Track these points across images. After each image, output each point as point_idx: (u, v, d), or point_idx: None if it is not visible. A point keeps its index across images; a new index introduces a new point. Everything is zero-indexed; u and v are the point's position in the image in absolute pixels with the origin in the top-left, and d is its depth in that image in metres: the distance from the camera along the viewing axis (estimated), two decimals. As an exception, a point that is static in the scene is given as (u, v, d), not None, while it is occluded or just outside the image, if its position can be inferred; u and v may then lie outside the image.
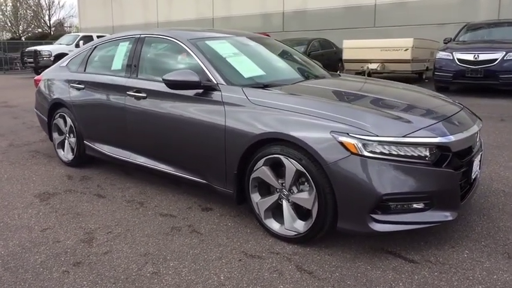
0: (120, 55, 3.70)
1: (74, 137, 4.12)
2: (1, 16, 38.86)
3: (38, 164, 4.46)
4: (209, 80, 2.91)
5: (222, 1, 19.55)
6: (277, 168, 2.54)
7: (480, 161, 2.84)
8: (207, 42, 3.24)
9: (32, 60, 16.52)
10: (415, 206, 2.32)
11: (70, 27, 43.01)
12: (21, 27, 39.28)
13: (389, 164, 2.21)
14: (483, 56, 8.22)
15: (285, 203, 2.56)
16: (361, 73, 11.45)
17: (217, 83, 2.87)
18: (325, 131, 2.31)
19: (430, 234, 2.64)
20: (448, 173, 2.29)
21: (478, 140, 2.64)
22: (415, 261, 2.34)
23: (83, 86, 3.91)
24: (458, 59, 8.47)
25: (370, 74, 11.84)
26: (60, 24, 42.48)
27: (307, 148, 2.34)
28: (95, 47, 4.09)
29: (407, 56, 10.67)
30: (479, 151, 2.73)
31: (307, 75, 3.44)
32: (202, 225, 2.87)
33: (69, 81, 4.09)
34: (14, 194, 3.56)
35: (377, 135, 2.22)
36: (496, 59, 8.09)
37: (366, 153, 2.21)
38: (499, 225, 2.77)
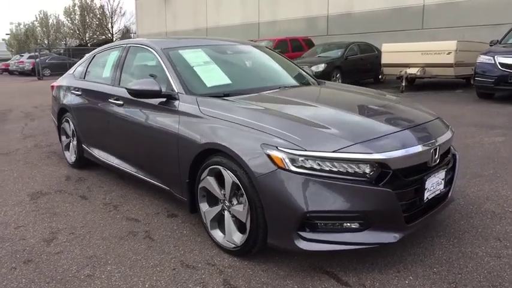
0: (110, 63, 3.89)
1: (75, 140, 4.40)
2: (71, 25, 42.46)
3: (48, 164, 4.81)
4: (172, 89, 2.96)
5: (267, 6, 19.67)
6: (221, 179, 2.53)
7: (447, 178, 2.60)
8: (180, 51, 3.30)
9: None
10: (348, 225, 2.19)
11: (135, 33, 45.78)
12: (87, 35, 42.60)
13: (318, 180, 2.10)
14: (528, 60, 7.47)
15: (226, 214, 2.54)
16: (399, 78, 10.94)
17: (177, 92, 2.91)
18: (257, 143, 2.25)
19: (381, 255, 2.46)
20: (385, 192, 2.13)
21: (437, 156, 2.41)
22: (348, 285, 2.20)
23: (80, 93, 4.16)
24: (500, 63, 7.77)
25: (409, 79, 11.27)
26: (127, 30, 45.33)
27: (238, 160, 2.31)
28: (94, 56, 4.34)
29: (450, 59, 9.99)
30: (443, 167, 2.50)
31: (281, 84, 3.36)
32: (159, 232, 2.92)
33: (70, 88, 4.37)
34: (12, 192, 3.87)
35: (305, 150, 2.12)
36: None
37: (293, 168, 2.12)
38: (465, 251, 2.51)
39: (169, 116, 2.89)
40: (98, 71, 4.13)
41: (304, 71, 3.93)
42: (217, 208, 2.59)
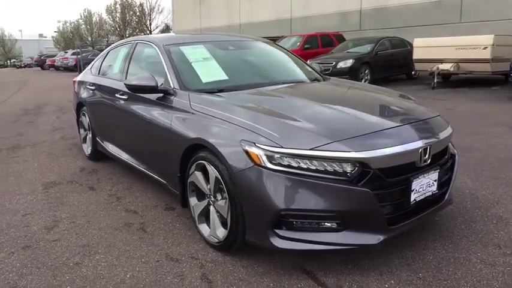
0: (119, 60, 4.01)
1: (90, 133, 4.58)
2: (112, 22, 44.07)
3: (68, 156, 5.04)
4: (169, 85, 3.01)
5: (300, 1, 19.45)
6: (208, 174, 2.54)
7: (443, 179, 2.48)
8: (181, 47, 3.35)
9: None
10: (326, 225, 2.14)
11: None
12: (127, 32, 44.05)
13: (293, 178, 2.07)
14: None
15: (211, 209, 2.55)
16: (431, 74, 10.50)
17: (173, 88, 2.96)
18: (237, 139, 2.25)
19: (367, 257, 2.39)
20: (363, 192, 2.06)
21: (427, 156, 2.29)
22: (325, 285, 2.15)
23: (93, 88, 4.32)
24: (538, 59, 7.25)
25: (443, 75, 10.80)
26: (166, 27, 46.48)
27: (219, 155, 2.31)
28: (108, 52, 4.48)
29: (486, 55, 9.45)
30: (435, 168, 2.37)
31: (281, 80, 3.32)
32: (153, 224, 2.99)
33: (86, 83, 4.55)
34: (28, 181, 4.09)
35: (282, 147, 2.09)
36: None
37: (269, 165, 2.10)
38: (458, 256, 2.39)
39: (164, 111, 2.94)
40: (109, 67, 4.27)
41: (310, 67, 3.86)
42: (204, 203, 2.61)
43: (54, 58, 33.36)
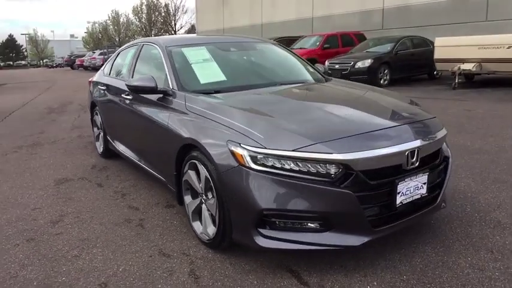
0: (127, 61, 4.15)
1: (102, 132, 4.75)
2: (138, 23, 45.12)
3: (82, 153, 5.24)
4: (168, 86, 3.10)
5: (321, 0, 19.31)
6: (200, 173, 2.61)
7: (435, 182, 2.46)
8: (182, 49, 3.44)
9: None
10: (310, 225, 2.17)
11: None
12: (153, 32, 44.98)
13: (276, 178, 2.11)
14: None
15: (203, 207, 2.62)
16: (453, 74, 10.23)
17: (172, 89, 3.05)
18: (224, 139, 2.30)
19: (353, 258, 2.40)
20: (345, 194, 2.07)
21: (415, 158, 2.28)
22: (307, 285, 2.18)
23: (104, 88, 4.48)
24: None
25: (464, 75, 10.51)
26: (192, 27, 47.14)
27: (207, 155, 2.38)
28: (119, 53, 4.63)
29: (510, 54, 9.14)
30: (424, 171, 2.35)
31: (280, 81, 3.35)
32: (152, 221, 3.09)
33: (98, 84, 4.72)
34: (42, 177, 4.29)
35: (265, 148, 2.14)
36: None
37: (253, 165, 2.14)
38: (447, 260, 2.36)
39: (163, 111, 3.04)
40: (118, 67, 4.42)
41: (314, 68, 3.87)
42: (197, 201, 2.69)
43: (83, 58, 34.44)
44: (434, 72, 12.16)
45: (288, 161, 2.10)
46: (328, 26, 18.31)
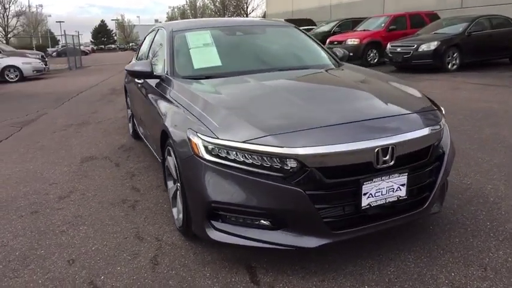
0: (146, 45, 4.25)
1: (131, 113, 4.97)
2: (213, 7, 46.08)
3: (118, 134, 5.54)
4: (163, 71, 3.11)
5: (395, -22, 17.93)
6: (178, 160, 2.60)
7: (424, 183, 2.17)
8: (186, 33, 3.40)
9: None
10: (263, 222, 2.04)
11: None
12: (226, 16, 45.67)
13: (226, 170, 2.01)
14: None
15: (178, 194, 2.61)
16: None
17: (166, 74, 3.05)
18: (186, 127, 2.25)
19: (321, 261, 2.22)
20: (294, 192, 1.91)
21: (388, 157, 2.01)
22: (257, 283, 2.07)
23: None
24: None
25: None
26: (265, 13, 47.18)
27: (172, 142, 2.35)
28: (145, 38, 4.75)
29: None
30: (403, 171, 2.07)
31: (280, 66, 3.17)
32: (145, 203, 3.16)
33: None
34: (73, 154, 4.62)
35: (217, 138, 2.04)
36: None
37: (206, 156, 2.06)
38: (425, 273, 2.08)
39: (157, 97, 3.05)
40: (140, 52, 4.54)
41: (329, 53, 3.60)
42: (175, 187, 2.68)
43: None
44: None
45: (240, 153, 1.99)
46: (399, 6, 17.00)
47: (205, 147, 2.07)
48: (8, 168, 4.20)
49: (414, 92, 2.63)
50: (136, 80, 3.85)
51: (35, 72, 15.20)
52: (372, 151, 1.97)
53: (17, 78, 14.53)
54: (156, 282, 2.13)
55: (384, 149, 1.99)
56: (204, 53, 3.24)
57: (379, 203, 2.05)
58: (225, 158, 2.03)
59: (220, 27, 3.59)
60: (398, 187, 2.08)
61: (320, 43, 3.78)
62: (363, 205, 2.01)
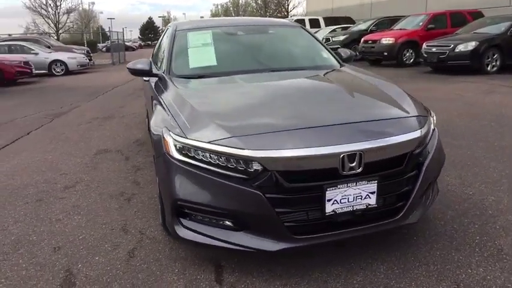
0: (159, 43, 4.38)
1: (148, 109, 5.13)
2: (254, 4, 46.23)
3: (137, 128, 5.75)
4: (162, 69, 3.20)
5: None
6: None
7: (399, 191, 2.10)
8: (189, 32, 3.48)
9: None
10: (227, 223, 2.06)
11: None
12: (268, 13, 45.69)
13: (192, 170, 2.04)
14: None
15: (161, 190, 2.69)
16: None
17: (163, 72, 3.14)
18: (163, 125, 2.31)
19: (287, 265, 2.20)
20: (253, 194, 1.91)
21: (355, 163, 1.95)
22: (219, 283, 2.10)
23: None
24: None
25: None
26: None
27: (151, 139, 2.42)
28: (163, 36, 4.88)
29: None
30: (372, 179, 2.00)
31: (274, 67, 3.16)
32: (140, 197, 3.27)
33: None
34: (89, 146, 4.85)
35: (186, 137, 2.08)
36: None
37: (175, 154, 2.11)
38: (393, 286, 2.01)
39: (152, 95, 3.15)
40: (155, 49, 4.68)
41: (332, 54, 3.53)
42: (160, 183, 2.76)
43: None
44: None
45: (205, 153, 2.02)
46: (444, 3, 16.24)
47: (175, 146, 2.12)
48: (29, 157, 4.49)
49: (403, 98, 2.51)
50: (144, 78, 3.98)
51: (79, 66, 16.05)
52: (337, 157, 1.93)
53: (62, 72, 15.40)
54: (126, 274, 2.22)
55: (351, 155, 1.95)
56: (202, 52, 3.30)
57: (345, 210, 2.01)
58: (193, 158, 2.06)
59: (224, 27, 3.63)
60: (367, 195, 2.02)
61: (324, 44, 3.72)
62: (327, 211, 1.97)
